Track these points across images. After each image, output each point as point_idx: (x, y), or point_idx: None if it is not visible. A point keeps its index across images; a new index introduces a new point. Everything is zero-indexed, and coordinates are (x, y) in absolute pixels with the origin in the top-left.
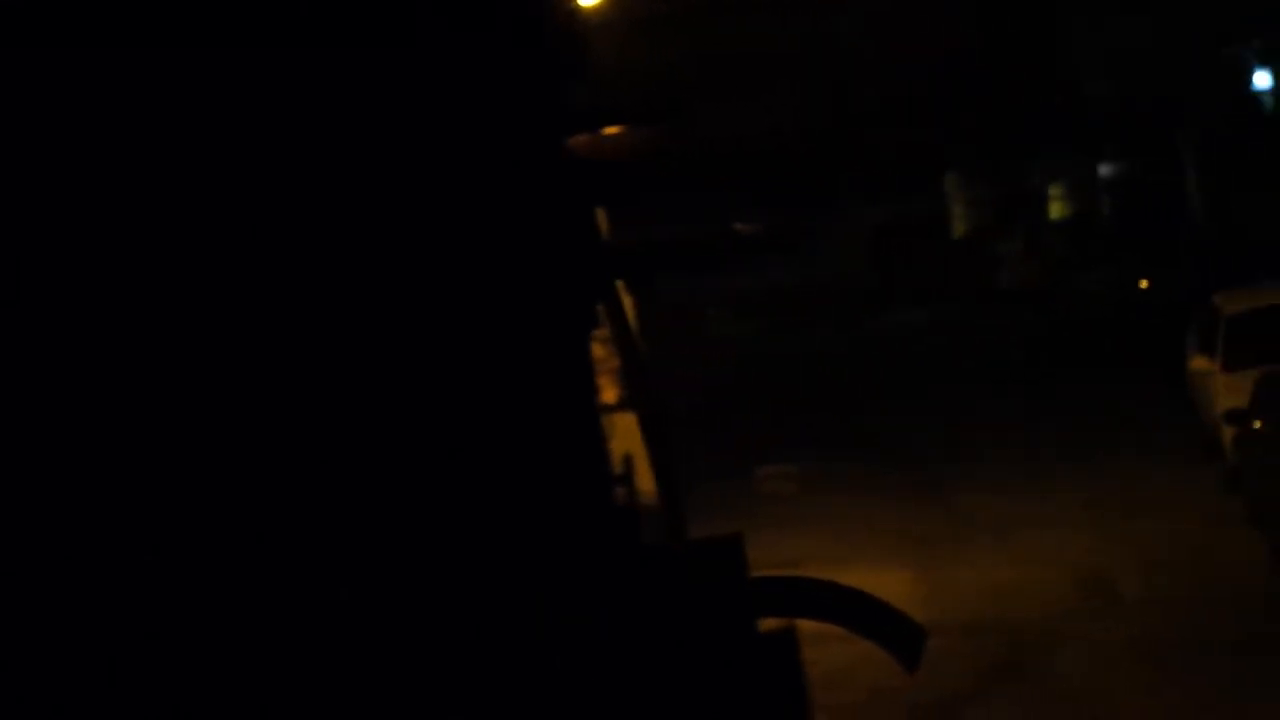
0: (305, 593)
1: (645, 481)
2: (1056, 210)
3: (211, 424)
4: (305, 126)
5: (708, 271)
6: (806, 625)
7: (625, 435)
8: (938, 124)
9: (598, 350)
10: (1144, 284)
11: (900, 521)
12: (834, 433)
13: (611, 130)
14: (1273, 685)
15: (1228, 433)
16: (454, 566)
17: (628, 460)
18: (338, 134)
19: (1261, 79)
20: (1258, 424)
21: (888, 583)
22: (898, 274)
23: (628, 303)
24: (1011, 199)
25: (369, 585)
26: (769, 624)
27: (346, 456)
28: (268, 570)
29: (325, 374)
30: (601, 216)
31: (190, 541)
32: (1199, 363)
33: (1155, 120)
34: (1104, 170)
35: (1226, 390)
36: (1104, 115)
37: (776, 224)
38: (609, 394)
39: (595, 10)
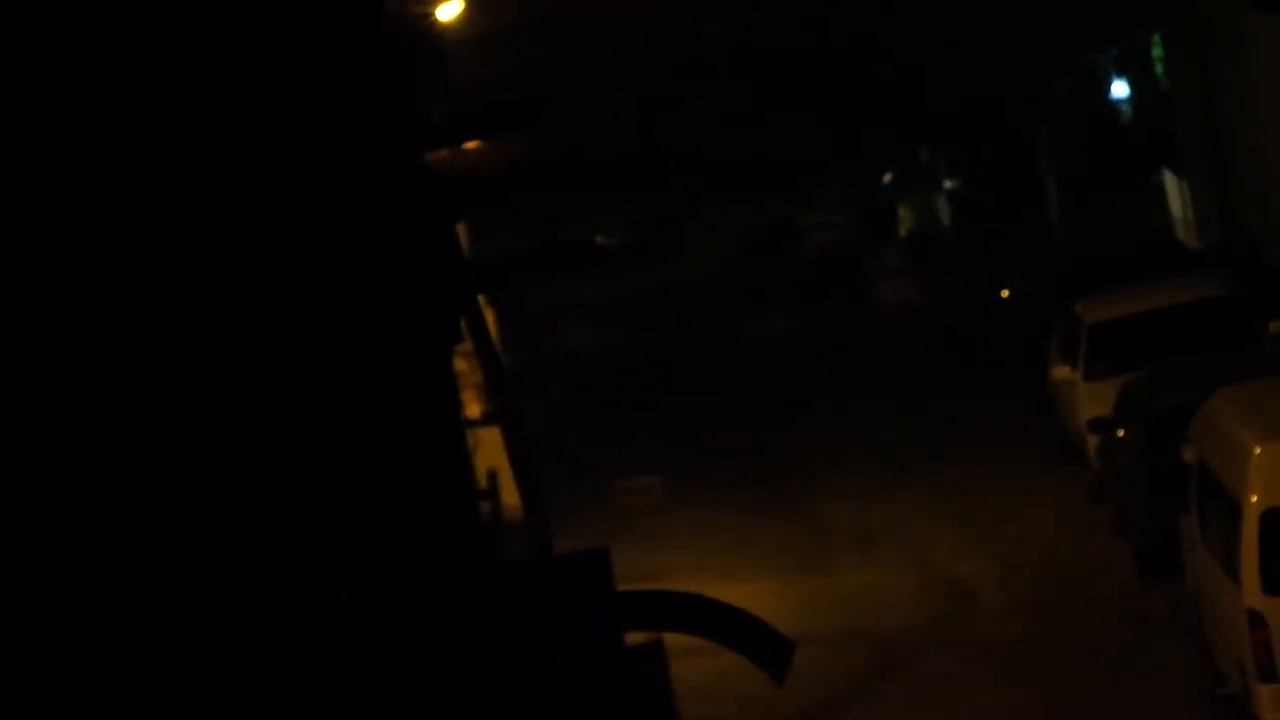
0: (148, 599)
1: (510, 496)
2: (904, 222)
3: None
4: (150, 129)
5: (571, 280)
6: (674, 638)
7: (489, 450)
8: (793, 125)
9: (461, 364)
10: (1005, 294)
11: (765, 532)
12: (697, 442)
13: (470, 144)
14: (1130, 686)
15: (1091, 441)
16: (314, 580)
17: (492, 475)
18: (193, 149)
19: (1119, 88)
20: (1120, 432)
21: (754, 594)
22: (762, 281)
23: (489, 316)
24: (872, 213)
25: (224, 594)
26: (636, 637)
27: (203, 469)
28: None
29: (178, 389)
30: (461, 230)
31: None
32: (1061, 371)
33: (1009, 126)
34: (948, 184)
35: (1089, 399)
36: (953, 121)
37: (636, 229)
38: (473, 408)
39: (452, 24)
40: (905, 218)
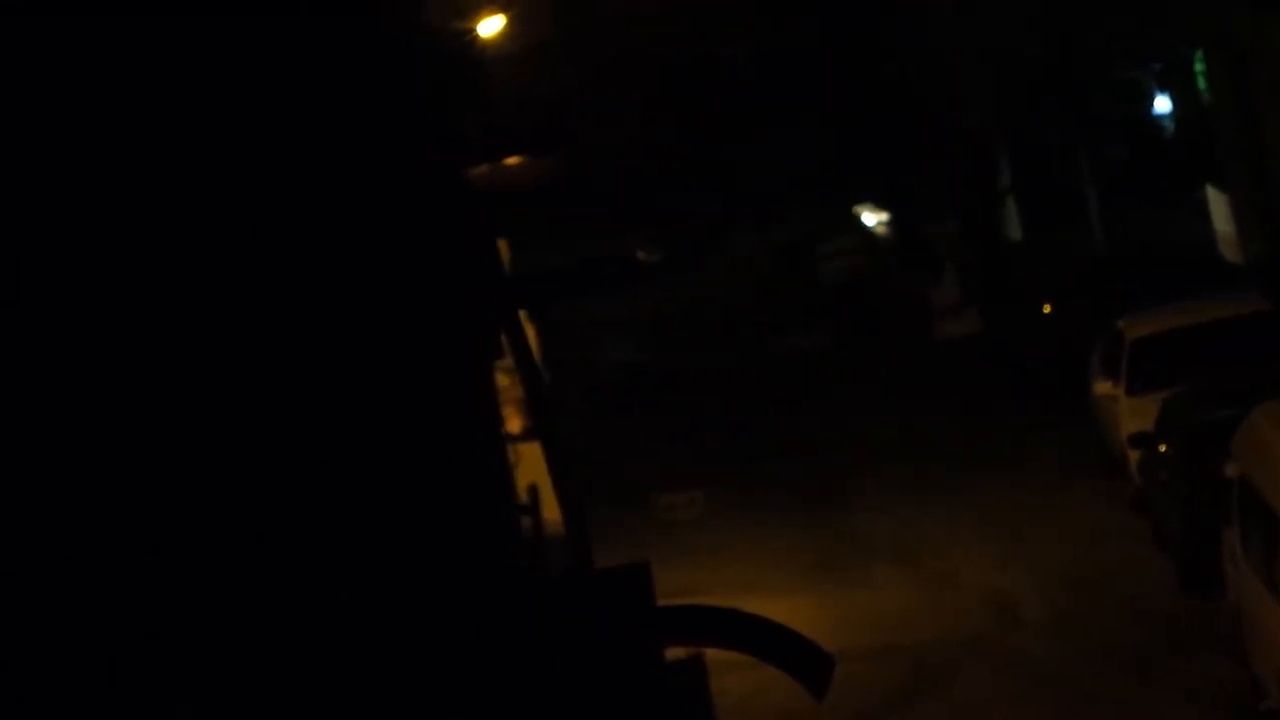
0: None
1: (551, 511)
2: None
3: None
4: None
5: (609, 297)
6: (714, 653)
7: (530, 465)
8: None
9: (502, 380)
10: (1047, 309)
11: (804, 547)
12: (735, 458)
13: (510, 160)
14: (1170, 702)
15: (1132, 456)
16: (354, 595)
17: (533, 490)
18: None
19: (1162, 103)
20: (1162, 447)
21: (793, 609)
22: (794, 300)
23: (530, 332)
24: (924, 243)
25: (270, 615)
26: (677, 652)
27: (245, 487)
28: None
29: (222, 403)
30: (503, 246)
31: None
32: (1103, 387)
33: (1056, 141)
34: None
35: (1131, 414)
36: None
37: (672, 247)
38: (514, 424)
39: (494, 39)
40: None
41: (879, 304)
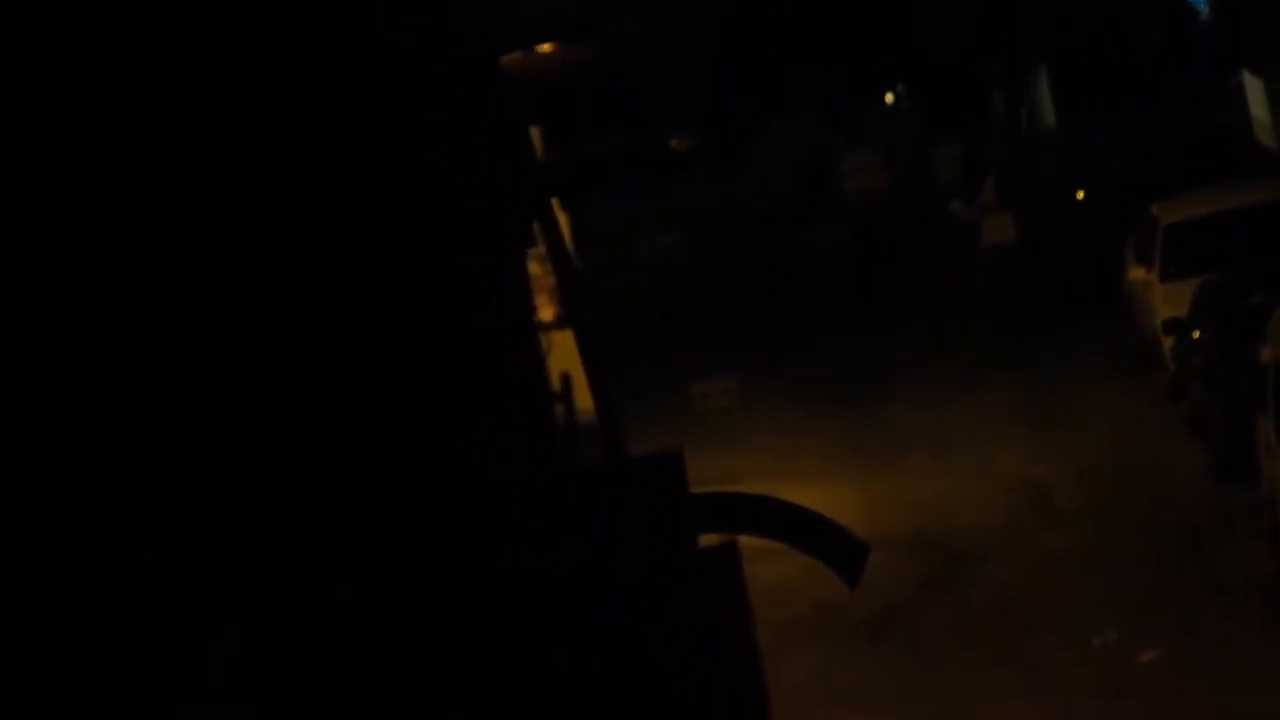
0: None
1: (583, 399)
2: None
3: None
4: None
5: (641, 186)
6: (748, 541)
7: (563, 353)
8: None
9: (534, 268)
10: (1080, 195)
11: (838, 436)
12: (769, 348)
13: (544, 48)
14: (1205, 589)
15: (1166, 343)
16: (387, 483)
17: (565, 378)
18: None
19: None
20: (1196, 333)
21: (827, 497)
22: (828, 191)
23: (563, 220)
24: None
25: (308, 501)
26: (710, 540)
27: (288, 379)
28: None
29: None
30: (536, 134)
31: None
32: (1136, 273)
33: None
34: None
35: (1165, 300)
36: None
37: (711, 138)
38: (546, 312)
39: None
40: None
41: (898, 233)
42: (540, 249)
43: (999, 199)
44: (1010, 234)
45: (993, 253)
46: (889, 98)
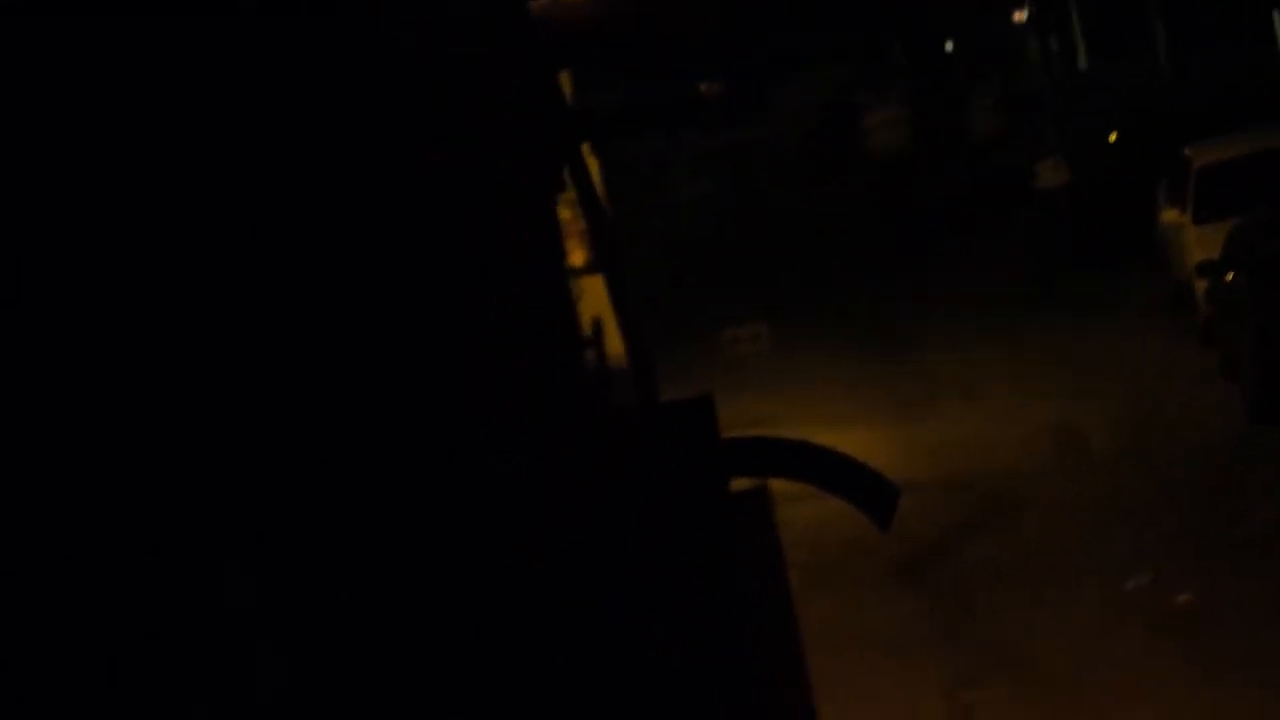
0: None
1: (614, 344)
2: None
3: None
4: None
5: (671, 132)
6: (779, 485)
7: (594, 298)
8: None
9: (564, 213)
10: (1112, 138)
11: (870, 380)
12: (800, 293)
13: None
14: (1236, 533)
15: (1199, 285)
16: (415, 428)
17: (596, 323)
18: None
19: None
20: (1230, 275)
21: (859, 440)
22: (851, 144)
23: (593, 165)
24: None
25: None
26: (741, 484)
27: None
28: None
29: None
30: (565, 80)
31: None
32: (1169, 216)
33: None
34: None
35: (1197, 242)
36: None
37: (740, 83)
38: (577, 257)
39: None
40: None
41: (924, 186)
42: (571, 194)
43: (1052, 142)
44: (1063, 177)
45: (1046, 196)
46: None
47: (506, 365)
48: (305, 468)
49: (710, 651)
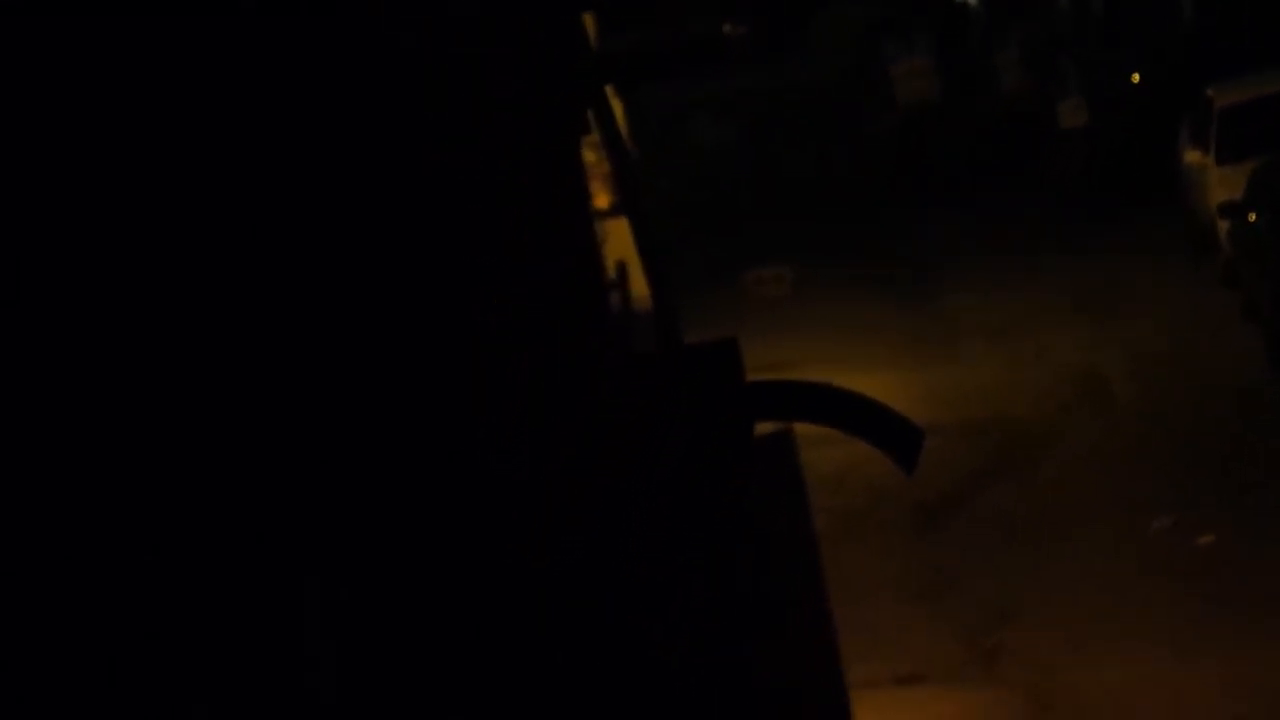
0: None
1: (639, 286)
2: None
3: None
4: None
5: (694, 75)
6: (804, 428)
7: (618, 240)
8: None
9: (589, 156)
10: (1135, 78)
11: (893, 324)
12: (823, 237)
13: None
14: (1262, 478)
15: (1222, 226)
16: (443, 370)
17: (621, 266)
18: None
19: None
20: (1252, 216)
21: (883, 384)
22: (878, 93)
23: (617, 108)
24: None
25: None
26: (766, 427)
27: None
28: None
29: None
30: (589, 21)
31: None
32: (1192, 156)
33: None
34: None
35: (1220, 183)
36: None
37: (764, 24)
38: (601, 199)
39: None
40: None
41: (950, 136)
42: (595, 137)
43: (1074, 83)
44: (1083, 118)
45: (1067, 136)
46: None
47: (530, 307)
48: (306, 452)
49: (737, 593)
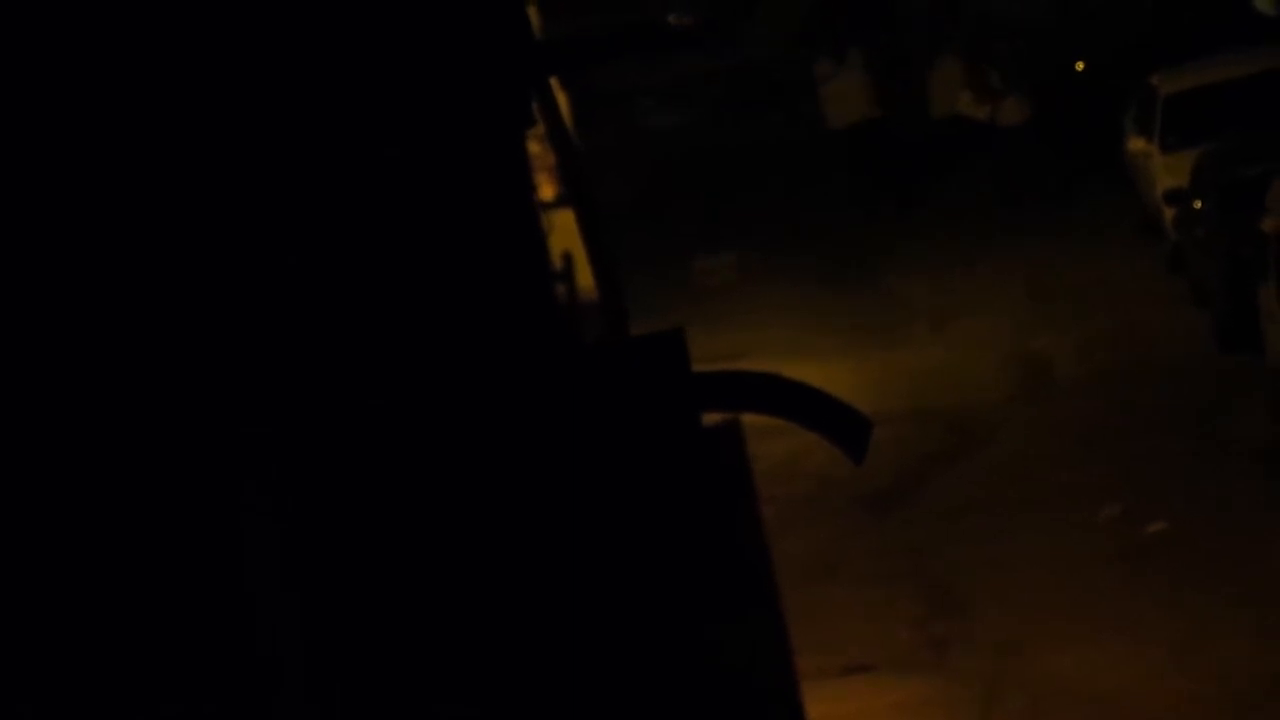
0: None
1: (585, 278)
2: None
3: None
4: None
5: (643, 62)
6: (751, 419)
7: (564, 232)
8: None
9: (534, 147)
10: (1079, 66)
11: (840, 311)
12: (769, 224)
13: None
14: (1206, 459)
15: (1168, 213)
16: (392, 365)
17: (567, 257)
18: None
19: None
20: (1198, 203)
21: (830, 373)
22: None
23: (562, 98)
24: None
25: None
26: (714, 418)
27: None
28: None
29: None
30: (532, 11)
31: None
32: (1137, 144)
33: None
34: None
35: (1165, 170)
36: None
37: (708, 11)
38: (547, 191)
39: None
40: None
41: (891, 154)
42: (540, 129)
43: (1007, 85)
44: (1024, 114)
45: (1010, 135)
46: None
47: (476, 302)
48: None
49: (685, 586)
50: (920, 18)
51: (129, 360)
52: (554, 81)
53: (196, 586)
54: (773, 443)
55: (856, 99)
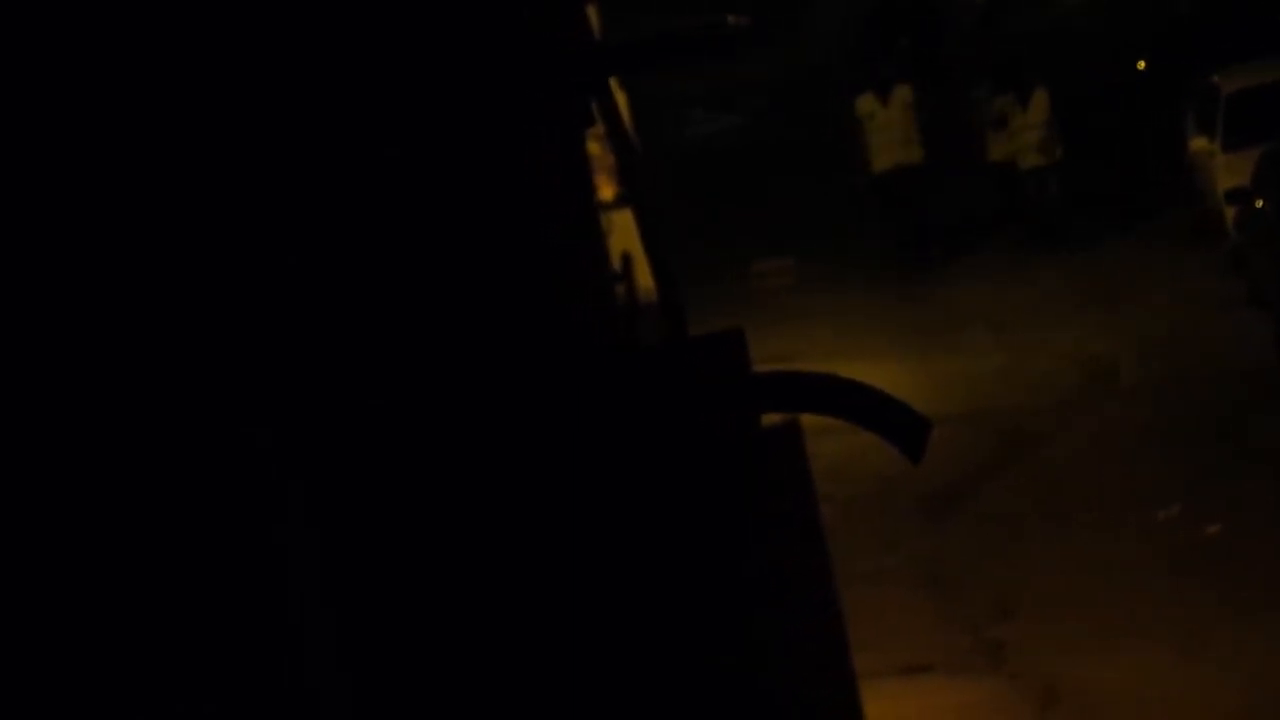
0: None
1: (644, 278)
2: None
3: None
4: None
5: (700, 65)
6: (810, 418)
7: (623, 232)
8: None
9: (593, 148)
10: (1141, 65)
11: (898, 313)
12: (826, 228)
13: None
14: (1269, 465)
15: (1229, 213)
16: (450, 369)
17: (626, 258)
18: None
19: None
20: (1259, 202)
21: (888, 374)
22: (890, 64)
23: (621, 99)
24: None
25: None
26: (773, 418)
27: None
28: None
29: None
30: (592, 13)
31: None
32: (1198, 143)
33: None
34: None
35: (1227, 170)
36: None
37: (763, 16)
38: (606, 191)
39: None
40: None
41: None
42: (599, 129)
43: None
44: (1055, 156)
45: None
46: None
47: (537, 301)
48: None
49: (744, 586)
50: (962, 49)
51: (166, 367)
52: (613, 82)
53: (234, 594)
54: (831, 442)
55: (901, 139)
